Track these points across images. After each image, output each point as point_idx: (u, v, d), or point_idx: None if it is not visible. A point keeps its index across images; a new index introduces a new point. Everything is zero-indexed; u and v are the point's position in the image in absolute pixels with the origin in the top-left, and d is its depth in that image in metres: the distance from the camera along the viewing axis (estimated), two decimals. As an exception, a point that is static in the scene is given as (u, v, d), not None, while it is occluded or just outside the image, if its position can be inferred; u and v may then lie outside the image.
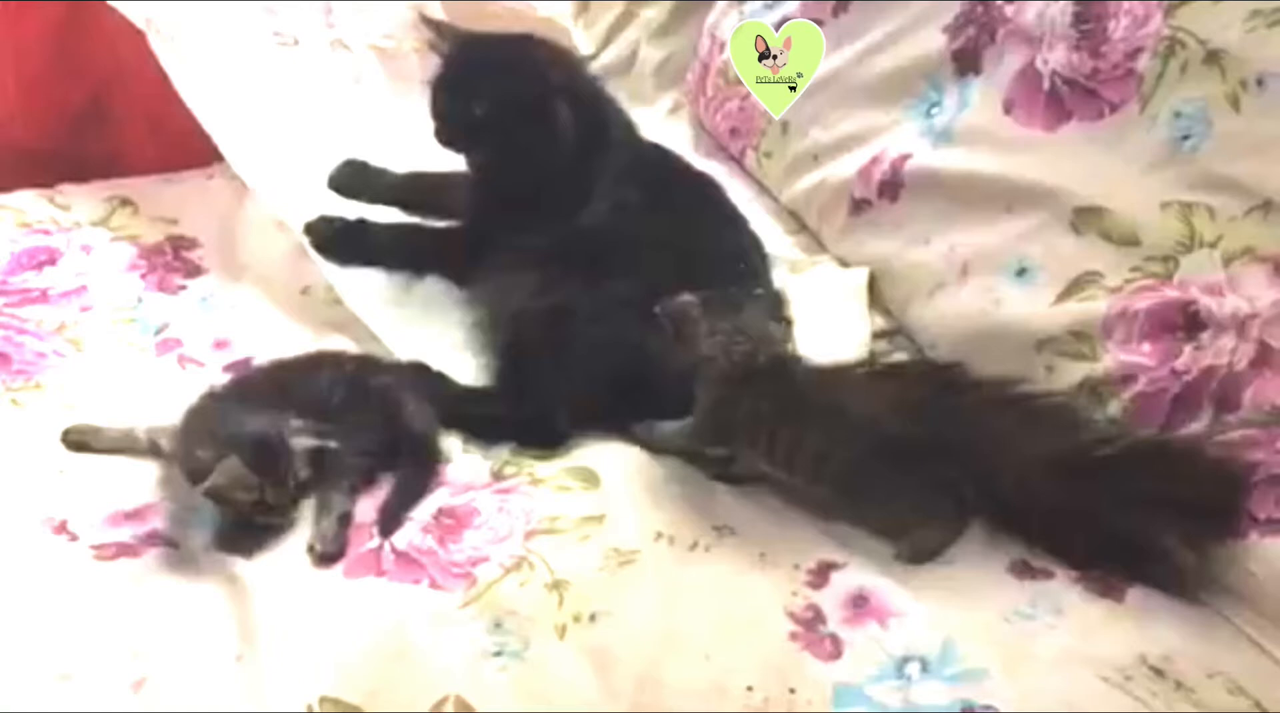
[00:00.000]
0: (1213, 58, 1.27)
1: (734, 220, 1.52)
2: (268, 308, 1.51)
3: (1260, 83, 1.23)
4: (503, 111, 1.43)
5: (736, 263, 1.44)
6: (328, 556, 1.13)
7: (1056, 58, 1.39)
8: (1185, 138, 1.27)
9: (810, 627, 1.05)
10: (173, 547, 1.15)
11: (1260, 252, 1.18)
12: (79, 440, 1.27)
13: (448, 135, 1.48)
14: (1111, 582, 1.09)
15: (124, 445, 1.27)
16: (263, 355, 1.40)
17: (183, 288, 1.54)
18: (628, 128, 1.57)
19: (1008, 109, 1.43)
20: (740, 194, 1.66)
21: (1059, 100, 1.39)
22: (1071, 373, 1.24)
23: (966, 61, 1.49)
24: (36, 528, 1.16)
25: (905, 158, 1.50)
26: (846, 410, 1.16)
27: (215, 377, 1.38)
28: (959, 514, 1.15)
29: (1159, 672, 0.99)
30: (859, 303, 1.48)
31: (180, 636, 1.06)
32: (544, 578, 1.11)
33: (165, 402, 1.30)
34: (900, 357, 1.43)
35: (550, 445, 1.28)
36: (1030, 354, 1.28)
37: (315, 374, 1.29)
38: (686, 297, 1.21)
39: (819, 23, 1.68)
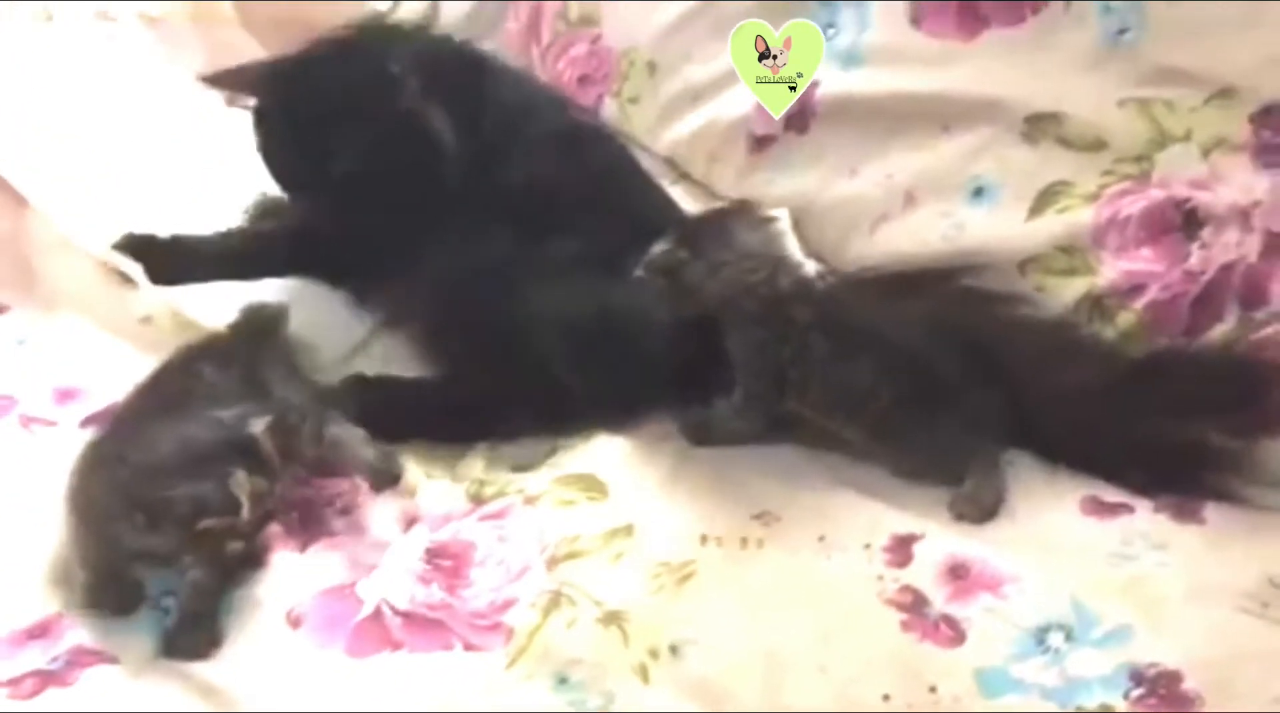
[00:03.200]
0: (1133, -55, 1.22)
1: (639, 168, 1.36)
2: (107, 342, 1.23)
3: (1189, -36, 1.19)
4: (370, 155, 1.14)
5: (671, 210, 1.29)
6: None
7: (963, -38, 1.31)
8: (1122, 31, 1.22)
9: (916, 611, 0.92)
10: (112, 663, 0.89)
11: (1234, 140, 1.14)
12: None
13: (309, 203, 1.22)
14: (1186, 505, 1.02)
15: None
16: (123, 400, 1.13)
17: (-16, 333, 1.24)
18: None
19: (916, 22, 1.34)
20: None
21: (971, 7, 1.31)
22: (1067, 290, 1.16)
23: (859, -24, 1.39)
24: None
25: (813, 85, 1.38)
26: (888, 339, 1.06)
27: (72, 435, 1.10)
28: (996, 451, 1.06)
29: (1292, 591, 0.93)
30: (792, 245, 1.36)
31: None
32: (592, 613, 0.93)
33: (20, 475, 1.03)
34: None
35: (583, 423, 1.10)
36: (1013, 276, 1.19)
37: (198, 378, 1.03)
38: (660, 245, 1.06)
39: (674, -54, 1.55)
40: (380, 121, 1.15)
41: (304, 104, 1.18)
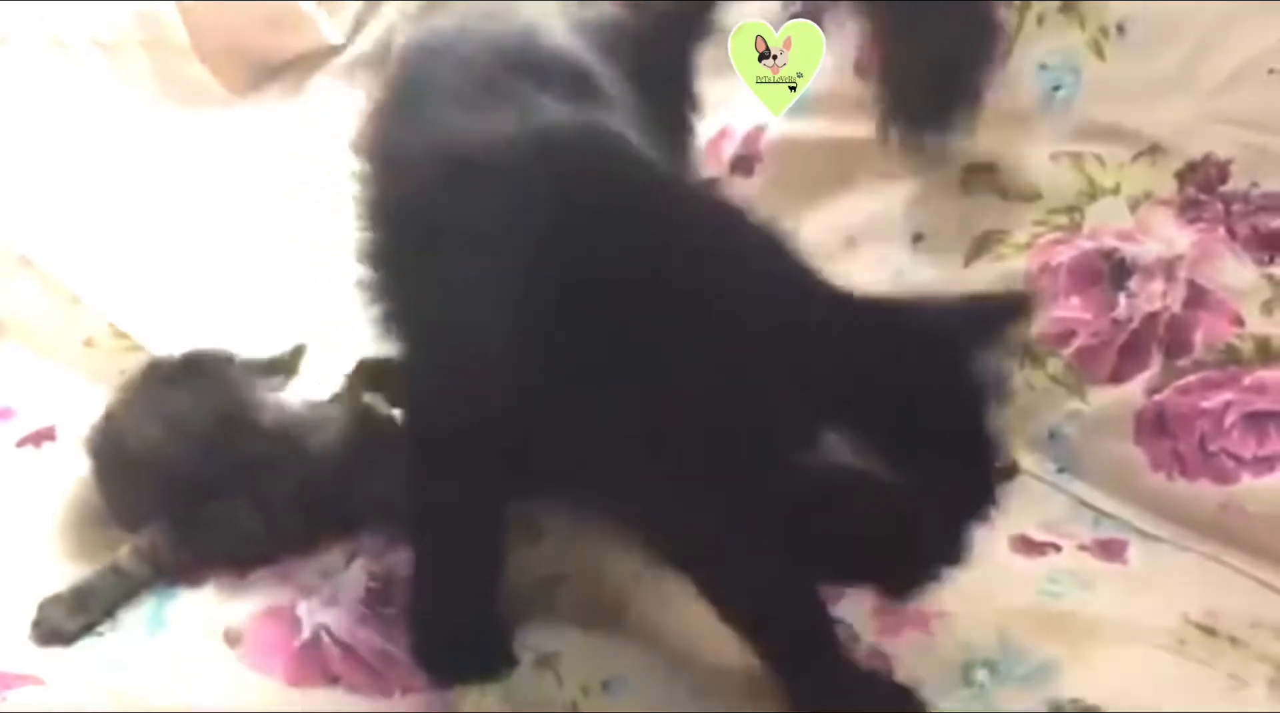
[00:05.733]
0: (1069, 8, 1.27)
1: None
2: (48, 366, 1.22)
3: (1121, 29, 1.24)
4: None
5: None
6: None
7: (905, 17, 1.35)
8: (1057, 88, 1.27)
9: (846, 646, 0.94)
10: (38, 684, 0.88)
11: (1160, 195, 1.19)
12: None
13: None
14: (1110, 544, 1.05)
15: None
16: (62, 422, 1.13)
17: (-77, 355, 1.23)
18: None
19: (860, 73, 1.38)
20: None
21: (915, 59, 1.35)
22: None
23: (807, 26, 1.42)
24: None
25: (761, 130, 1.42)
26: None
27: (7, 455, 1.10)
28: None
29: (1209, 630, 0.95)
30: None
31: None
32: (527, 658, 0.93)
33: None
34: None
35: None
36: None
37: None
38: None
39: (627, -7, 1.58)
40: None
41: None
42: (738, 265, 0.83)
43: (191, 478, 0.99)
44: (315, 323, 1.33)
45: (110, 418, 1.03)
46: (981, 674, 0.91)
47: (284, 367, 1.15)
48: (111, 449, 1.02)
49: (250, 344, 1.22)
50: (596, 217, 0.83)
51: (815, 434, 0.72)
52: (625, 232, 0.83)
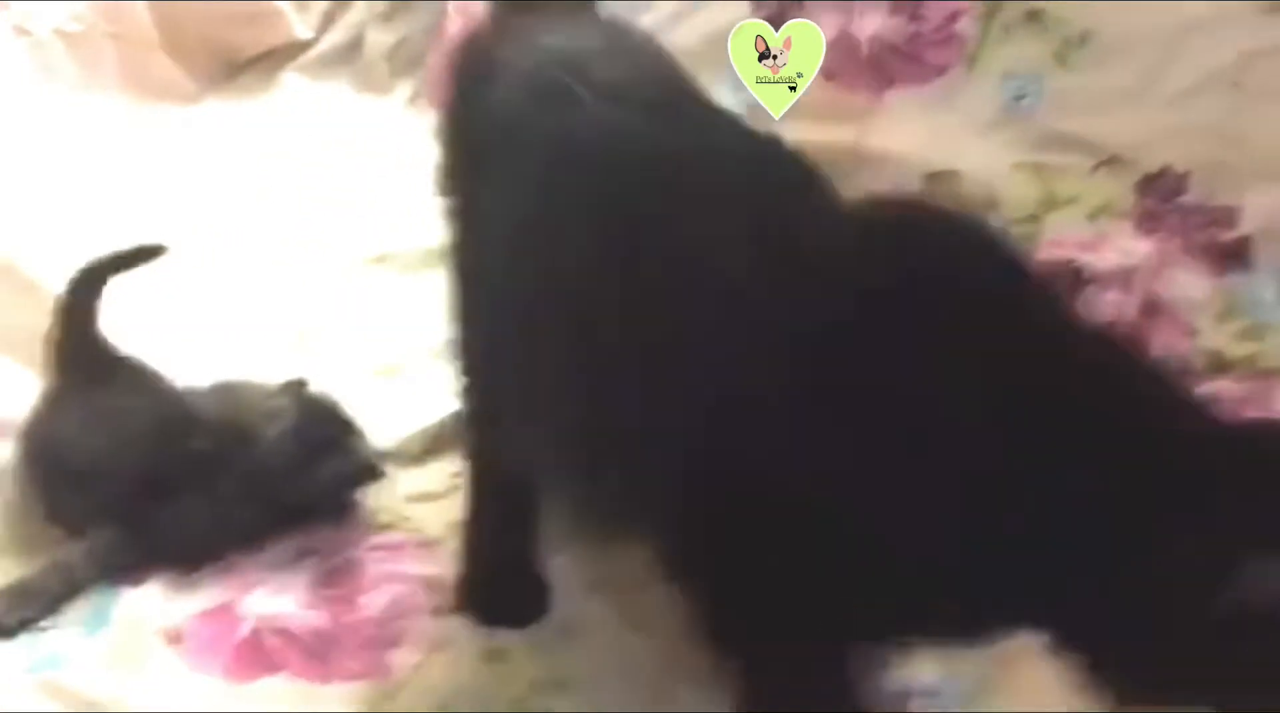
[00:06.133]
0: (1034, 17, 1.28)
1: None
2: (8, 364, 1.20)
3: (1084, 39, 1.25)
4: None
5: None
6: None
7: (873, 23, 1.36)
8: (1020, 97, 1.28)
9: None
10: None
11: (1118, 206, 1.20)
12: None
13: None
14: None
15: None
16: (18, 417, 1.12)
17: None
18: None
19: (828, 77, 1.38)
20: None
21: (880, 66, 1.35)
22: (958, 343, 1.20)
23: (774, 31, 1.43)
24: None
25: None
26: None
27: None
28: None
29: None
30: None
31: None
32: (476, 649, 0.93)
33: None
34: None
35: None
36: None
37: None
38: None
39: (596, -5, 1.58)
40: None
41: None
42: (1130, 390, 0.73)
43: (141, 479, 0.98)
44: (284, 319, 1.33)
45: (42, 421, 1.02)
46: (920, 703, 0.90)
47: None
48: (51, 454, 1.01)
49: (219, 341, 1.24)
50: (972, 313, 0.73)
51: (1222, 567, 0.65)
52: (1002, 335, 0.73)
